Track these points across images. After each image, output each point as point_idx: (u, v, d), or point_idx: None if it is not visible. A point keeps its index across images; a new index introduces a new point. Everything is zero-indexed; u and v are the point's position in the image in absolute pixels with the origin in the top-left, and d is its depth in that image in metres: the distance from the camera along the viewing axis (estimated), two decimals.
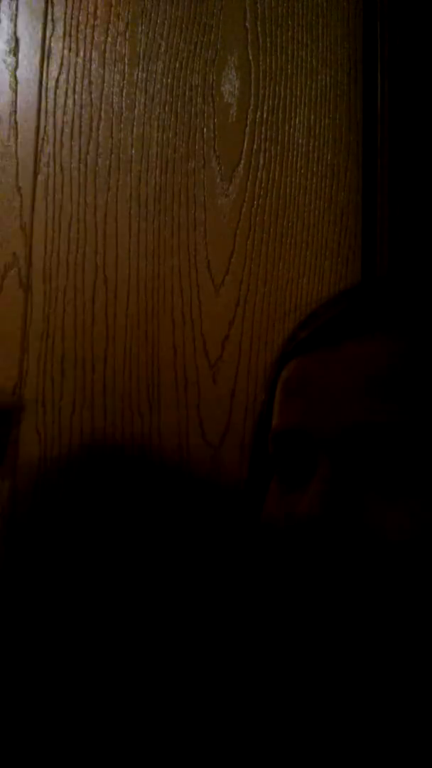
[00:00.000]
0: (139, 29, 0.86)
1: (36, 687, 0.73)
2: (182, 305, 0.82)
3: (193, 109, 0.85)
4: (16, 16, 0.86)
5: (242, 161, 0.84)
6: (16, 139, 0.84)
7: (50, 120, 0.84)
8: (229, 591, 0.70)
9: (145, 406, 0.81)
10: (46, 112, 0.85)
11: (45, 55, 0.85)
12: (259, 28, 0.86)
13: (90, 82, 0.85)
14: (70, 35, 0.86)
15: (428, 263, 0.81)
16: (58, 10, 0.86)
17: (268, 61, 0.86)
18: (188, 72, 0.85)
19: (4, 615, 0.77)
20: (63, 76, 0.85)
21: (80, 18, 0.86)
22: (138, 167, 0.84)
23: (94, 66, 0.85)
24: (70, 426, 0.80)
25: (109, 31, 0.86)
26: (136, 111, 0.85)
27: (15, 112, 0.85)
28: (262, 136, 0.85)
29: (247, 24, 0.86)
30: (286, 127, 0.85)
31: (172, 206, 0.84)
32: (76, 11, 0.86)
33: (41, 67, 0.85)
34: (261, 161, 0.84)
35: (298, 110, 0.85)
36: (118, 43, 0.86)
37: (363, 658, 0.39)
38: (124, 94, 0.85)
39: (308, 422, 0.41)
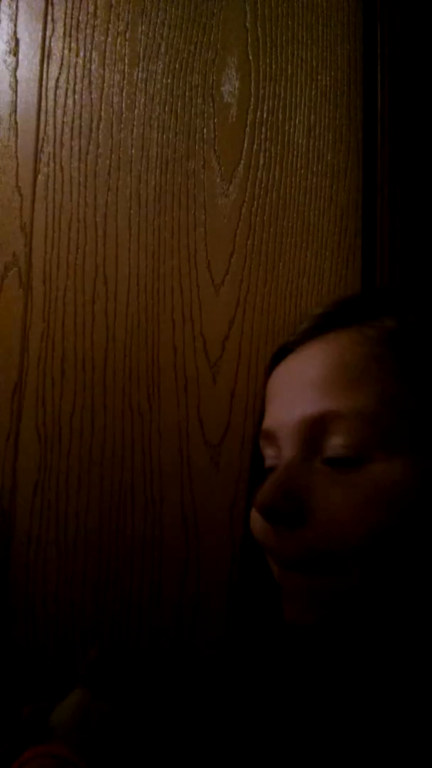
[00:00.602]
0: (139, 29, 0.86)
1: None
2: (182, 305, 0.82)
3: (193, 109, 0.85)
4: (17, 16, 0.86)
5: (242, 161, 0.84)
6: (16, 139, 0.84)
7: (50, 120, 0.84)
8: None
9: (145, 406, 0.81)
10: (46, 112, 0.85)
11: (45, 55, 0.85)
12: (259, 29, 0.86)
13: (90, 83, 0.85)
14: (70, 35, 0.86)
15: (428, 263, 0.81)
16: (58, 11, 0.86)
17: (268, 61, 0.86)
18: (188, 72, 0.85)
19: None
20: (63, 76, 0.85)
21: (80, 18, 0.86)
22: (138, 167, 0.84)
23: (94, 66, 0.85)
24: (70, 426, 0.80)
25: (109, 32, 0.86)
26: (136, 111, 0.85)
27: (15, 111, 0.85)
28: (262, 137, 0.85)
29: (247, 24, 0.86)
30: (286, 127, 0.85)
31: (172, 206, 0.84)
32: (76, 11, 0.86)
33: (41, 67, 0.85)
34: (261, 161, 0.84)
35: (298, 110, 0.85)
36: (118, 44, 0.86)
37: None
38: (124, 95, 0.85)
39: (275, 423, 0.46)
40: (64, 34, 0.86)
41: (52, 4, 0.86)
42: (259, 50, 0.86)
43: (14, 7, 0.86)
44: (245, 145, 0.84)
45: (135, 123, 0.85)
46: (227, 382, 0.81)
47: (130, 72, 0.85)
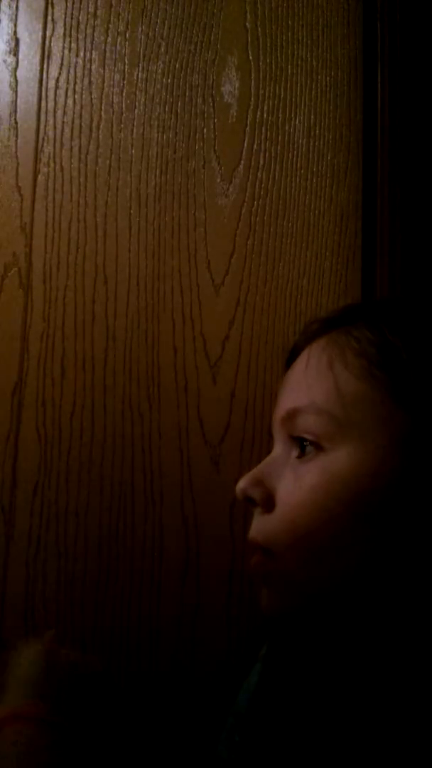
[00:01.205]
0: (139, 29, 0.86)
1: None
2: (182, 305, 0.82)
3: (193, 109, 0.85)
4: (17, 16, 0.86)
5: (242, 161, 0.84)
6: (16, 139, 0.84)
7: (50, 120, 0.84)
8: None
9: (145, 406, 0.80)
10: (47, 112, 0.85)
11: (45, 55, 0.85)
12: (259, 29, 0.86)
13: (90, 82, 0.85)
14: (70, 35, 0.86)
15: (429, 263, 0.81)
16: (58, 11, 0.86)
17: (268, 61, 0.86)
18: (188, 72, 0.85)
19: None
20: (63, 76, 0.85)
21: (80, 18, 0.86)
22: (138, 167, 0.84)
23: (94, 66, 0.85)
24: (70, 426, 0.80)
25: (109, 31, 0.86)
26: (136, 111, 0.85)
27: (15, 112, 0.85)
28: (263, 136, 0.85)
29: (247, 24, 0.86)
30: (287, 127, 0.85)
31: (172, 206, 0.84)
32: (76, 11, 0.86)
33: (41, 67, 0.85)
34: (261, 161, 0.84)
35: (298, 110, 0.85)
36: (118, 43, 0.86)
37: None
38: (124, 94, 0.85)
39: (272, 421, 0.51)
40: (64, 33, 0.86)
41: (52, 4, 0.86)
42: (260, 50, 0.86)
43: (14, 6, 0.86)
44: (245, 145, 0.84)
45: (135, 123, 0.85)
46: (227, 382, 0.81)
47: (131, 72, 0.85)
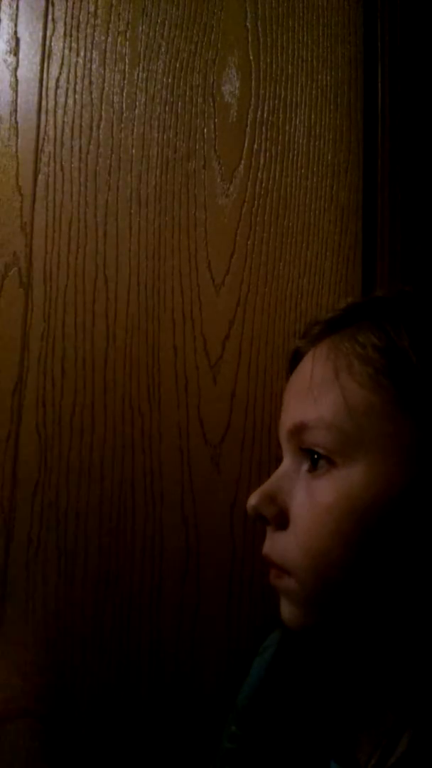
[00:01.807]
0: (140, 29, 0.86)
1: None
2: (183, 305, 0.82)
3: (193, 108, 0.85)
4: (17, 15, 0.86)
5: (243, 161, 0.84)
6: (17, 138, 0.84)
7: (51, 120, 0.84)
8: None
9: (145, 406, 0.80)
10: (47, 111, 0.84)
11: (45, 54, 0.85)
12: (259, 28, 0.86)
13: (90, 82, 0.85)
14: (71, 35, 0.86)
15: (429, 263, 0.81)
16: (59, 10, 0.86)
17: (268, 61, 0.86)
18: (189, 72, 0.85)
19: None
20: (63, 76, 0.85)
21: (81, 18, 0.86)
22: (138, 167, 0.84)
23: (94, 66, 0.85)
24: (71, 426, 0.80)
25: (109, 31, 0.86)
26: (136, 111, 0.85)
27: (15, 111, 0.85)
28: (263, 136, 0.85)
29: (247, 24, 0.86)
30: (287, 127, 0.85)
31: (172, 206, 0.84)
32: (76, 11, 0.86)
33: (42, 66, 0.85)
34: (261, 161, 0.84)
35: (298, 110, 0.85)
36: (118, 43, 0.86)
37: None
38: (124, 94, 0.85)
39: (279, 430, 0.50)
40: (65, 33, 0.86)
41: (53, 3, 0.86)
42: (260, 50, 0.86)
43: (15, 6, 0.86)
44: (246, 144, 0.84)
45: (135, 123, 0.85)
46: (228, 382, 0.81)
47: (131, 71, 0.85)
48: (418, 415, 0.42)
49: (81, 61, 0.85)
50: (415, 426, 0.42)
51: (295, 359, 0.51)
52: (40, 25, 0.86)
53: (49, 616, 0.77)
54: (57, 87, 0.85)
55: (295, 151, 0.85)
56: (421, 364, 0.42)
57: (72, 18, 0.86)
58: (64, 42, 0.85)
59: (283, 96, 0.85)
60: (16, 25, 0.86)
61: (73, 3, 0.86)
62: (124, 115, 0.85)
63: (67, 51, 0.85)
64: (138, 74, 0.85)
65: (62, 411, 0.80)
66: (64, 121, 0.84)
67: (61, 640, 0.77)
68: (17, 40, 0.86)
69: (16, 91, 0.85)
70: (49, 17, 0.86)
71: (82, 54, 0.85)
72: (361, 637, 0.46)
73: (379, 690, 0.45)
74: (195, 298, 0.82)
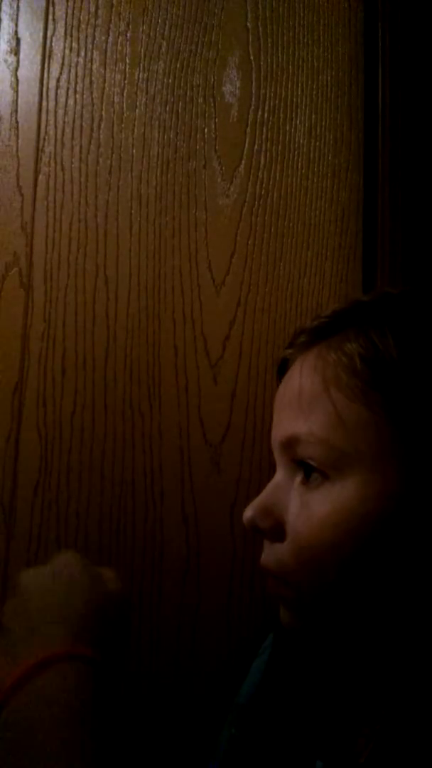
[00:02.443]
0: (140, 29, 0.86)
1: None
2: (183, 305, 0.82)
3: (194, 109, 0.85)
4: (18, 16, 0.86)
5: (243, 161, 0.84)
6: (17, 138, 0.84)
7: (51, 120, 0.84)
8: None
9: (146, 406, 0.80)
10: (47, 111, 0.85)
11: (46, 54, 0.85)
12: (260, 28, 0.86)
13: (91, 82, 0.85)
14: (71, 35, 0.86)
15: (429, 263, 0.81)
16: (59, 10, 0.86)
17: (269, 61, 0.86)
18: (189, 72, 0.85)
19: None
20: (64, 76, 0.85)
21: (81, 18, 0.86)
22: (139, 167, 0.84)
23: (95, 66, 0.85)
24: (71, 426, 0.80)
25: (110, 31, 0.86)
26: (137, 111, 0.85)
27: (16, 111, 0.85)
28: (263, 136, 0.85)
29: (248, 24, 0.86)
30: (287, 127, 0.85)
31: (173, 206, 0.84)
32: (77, 11, 0.86)
33: (42, 66, 0.85)
34: (262, 161, 0.84)
35: (299, 110, 0.85)
36: (119, 43, 0.86)
37: None
38: (125, 94, 0.85)
39: (271, 440, 0.50)
40: (65, 33, 0.86)
41: (53, 3, 0.86)
42: (260, 50, 0.86)
43: (15, 6, 0.86)
44: (246, 145, 0.84)
45: (136, 123, 0.85)
46: (228, 382, 0.81)
47: (131, 72, 0.85)
48: (408, 426, 0.42)
49: (81, 61, 0.85)
50: (407, 437, 0.42)
51: (282, 368, 0.51)
52: (41, 25, 0.86)
53: None
54: (57, 87, 0.85)
55: (296, 151, 0.85)
56: (408, 374, 0.42)
57: (73, 18, 0.86)
58: (65, 42, 0.85)
59: (283, 96, 0.85)
60: (16, 25, 0.86)
61: (74, 3, 0.86)
62: (125, 115, 0.85)
63: (67, 51, 0.85)
64: (138, 74, 0.85)
65: (63, 411, 0.80)
66: (64, 121, 0.84)
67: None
68: (18, 40, 0.86)
69: (16, 91, 0.85)
70: (50, 17, 0.86)
71: (82, 54, 0.85)
72: (355, 640, 0.46)
73: (373, 690, 0.45)
74: (195, 298, 0.82)
